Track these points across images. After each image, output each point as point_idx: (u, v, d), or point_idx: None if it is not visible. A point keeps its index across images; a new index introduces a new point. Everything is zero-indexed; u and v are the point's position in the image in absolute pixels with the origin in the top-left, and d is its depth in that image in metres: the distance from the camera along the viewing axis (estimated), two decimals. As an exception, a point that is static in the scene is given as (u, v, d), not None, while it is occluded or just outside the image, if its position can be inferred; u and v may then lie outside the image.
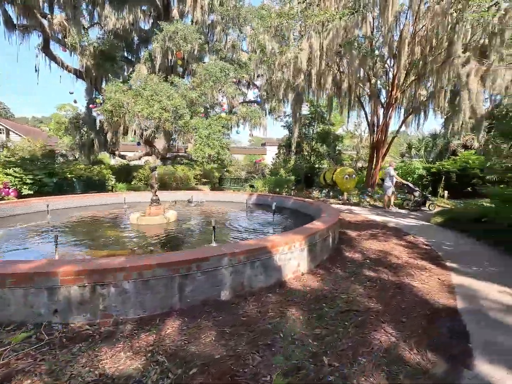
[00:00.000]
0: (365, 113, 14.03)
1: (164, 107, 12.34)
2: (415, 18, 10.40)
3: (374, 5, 9.44)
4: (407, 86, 12.24)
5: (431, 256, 5.02)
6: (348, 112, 13.54)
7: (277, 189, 14.50)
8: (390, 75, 12.74)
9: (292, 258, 3.82)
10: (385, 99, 13.54)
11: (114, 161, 26.08)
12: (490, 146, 13.48)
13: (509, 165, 9.12)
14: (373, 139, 14.06)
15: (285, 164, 18.62)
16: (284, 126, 19.85)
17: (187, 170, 20.57)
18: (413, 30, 10.72)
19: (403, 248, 5.45)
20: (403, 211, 10.50)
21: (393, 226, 7.60)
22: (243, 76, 20.37)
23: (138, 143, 20.06)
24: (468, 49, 8.91)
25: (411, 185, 11.18)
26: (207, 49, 20.99)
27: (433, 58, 10.23)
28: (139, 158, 20.73)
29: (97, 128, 17.61)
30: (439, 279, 3.99)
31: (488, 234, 5.91)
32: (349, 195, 13.03)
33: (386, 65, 13.06)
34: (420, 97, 12.46)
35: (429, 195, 12.85)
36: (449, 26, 9.02)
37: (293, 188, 14.70)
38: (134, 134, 16.88)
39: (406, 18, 11.04)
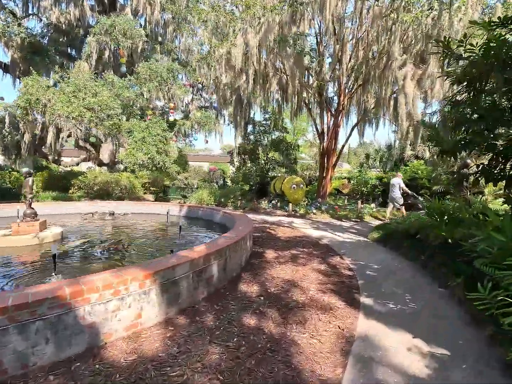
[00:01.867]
0: (314, 120, 13.39)
1: (87, 106, 10.73)
2: (359, 20, 9.92)
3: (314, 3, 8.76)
4: (353, 93, 11.74)
5: (347, 287, 4.01)
6: (292, 117, 12.80)
7: (222, 200, 13.28)
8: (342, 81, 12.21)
9: (124, 307, 2.57)
10: (335, 106, 13.02)
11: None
12: (435, 157, 13.34)
13: (453, 176, 8.55)
14: (322, 147, 13.41)
15: (237, 173, 17.54)
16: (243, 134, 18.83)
17: (133, 178, 18.71)
18: (357, 33, 10.23)
19: (318, 276, 4.41)
20: (349, 223, 9.73)
21: (325, 244, 6.66)
22: (198, 80, 19.22)
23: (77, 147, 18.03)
24: (408, 53, 8.45)
25: (415, 195, 10.65)
26: (158, 49, 19.67)
27: (375, 63, 9.74)
28: (77, 164, 18.59)
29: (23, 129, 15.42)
30: (339, 327, 2.93)
31: (420, 253, 5.10)
32: (296, 206, 12.14)
33: (335, 70, 12.56)
34: (368, 104, 12.02)
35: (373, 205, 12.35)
36: (388, 28, 8.52)
37: (240, 198, 13.58)
38: (69, 136, 15.00)
39: (350, 21, 10.56)
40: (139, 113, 13.88)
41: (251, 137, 18.43)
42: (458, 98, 4.32)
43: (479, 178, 3.92)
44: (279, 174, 17.03)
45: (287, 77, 11.58)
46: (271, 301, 3.49)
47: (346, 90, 12.29)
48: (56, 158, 17.95)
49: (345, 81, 12.24)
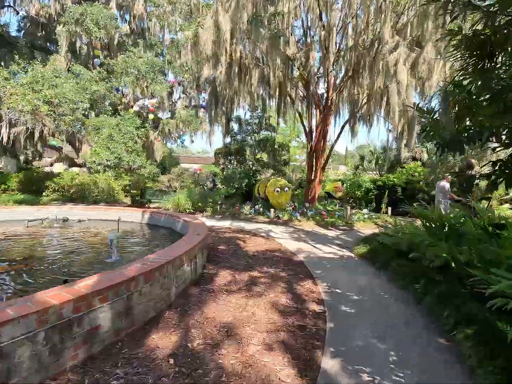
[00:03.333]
0: (300, 117, 12.23)
1: (43, 99, 9.53)
2: (348, 2, 8.79)
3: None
4: (342, 86, 10.60)
5: (308, 336, 2.80)
6: (278, 113, 11.59)
7: (200, 204, 12.06)
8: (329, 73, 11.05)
9: None
10: (323, 101, 11.87)
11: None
12: (434, 158, 12.19)
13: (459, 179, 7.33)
14: (310, 146, 12.24)
15: (221, 175, 16.35)
16: (227, 133, 17.64)
17: (111, 180, 17.43)
18: (345, 18, 9.10)
19: (273, 315, 3.20)
20: (335, 232, 8.52)
21: (300, 260, 5.45)
22: (185, 77, 18.08)
23: (59, 147, 16.84)
24: (401, 36, 7.30)
25: (465, 200, 9.30)
26: (142, 44, 18.53)
27: (365, 51, 8.60)
28: (51, 165, 17.35)
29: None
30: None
31: (413, 279, 3.90)
32: (280, 212, 10.94)
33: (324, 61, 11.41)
34: (360, 99, 10.88)
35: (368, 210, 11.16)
36: (378, 10, 7.38)
37: (220, 203, 12.35)
38: (43, 134, 13.78)
39: (337, 3, 9.44)
40: (110, 109, 12.70)
41: (238, 137, 17.28)
42: (465, 73, 3.14)
43: (497, 181, 2.73)
44: (267, 177, 15.84)
45: (269, 69, 10.44)
46: (184, 366, 2.28)
47: (336, 82, 11.14)
48: (28, 158, 16.73)
49: (334, 73, 11.11)
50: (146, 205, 14.42)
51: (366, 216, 10.87)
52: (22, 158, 16.58)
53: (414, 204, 6.38)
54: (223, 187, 16.71)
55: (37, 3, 19.03)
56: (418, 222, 6.11)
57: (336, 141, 12.37)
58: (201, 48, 7.75)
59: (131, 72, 14.15)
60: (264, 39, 7.59)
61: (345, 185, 17.76)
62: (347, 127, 11.76)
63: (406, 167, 14.55)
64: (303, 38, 10.87)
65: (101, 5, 15.08)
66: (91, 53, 14.57)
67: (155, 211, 8.49)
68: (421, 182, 12.67)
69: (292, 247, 6.49)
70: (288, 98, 11.58)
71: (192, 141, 20.27)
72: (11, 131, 10.13)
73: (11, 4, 19.77)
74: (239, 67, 9.43)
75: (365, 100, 11.00)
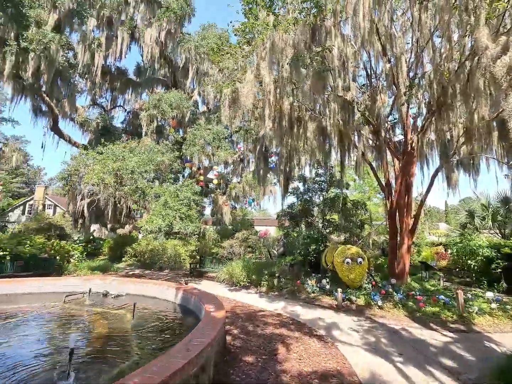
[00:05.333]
0: (372, 169, 9.98)
1: (108, 171, 10.26)
2: (415, 21, 7.14)
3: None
4: (426, 125, 8.23)
5: None
6: (342, 168, 9.57)
7: (254, 277, 10.26)
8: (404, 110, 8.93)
9: None
10: (401, 147, 9.54)
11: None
12: None
13: None
14: (390, 203, 9.57)
15: (286, 239, 14.49)
16: (290, 193, 16.32)
17: (180, 246, 17.53)
18: (416, 39, 7.35)
19: None
20: (443, 336, 5.36)
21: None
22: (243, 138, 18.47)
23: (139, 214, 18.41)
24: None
25: None
26: (213, 118, 20.23)
27: (453, 74, 6.43)
28: (129, 232, 18.74)
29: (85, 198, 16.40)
30: None
31: None
32: (351, 292, 8.15)
33: (397, 99, 9.43)
34: (453, 138, 8.21)
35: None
36: (465, 21, 5.45)
37: (279, 276, 10.27)
38: (128, 206, 15.19)
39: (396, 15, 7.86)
40: (173, 176, 13.15)
41: (305, 196, 15.66)
42: None
43: None
44: (335, 242, 13.20)
45: (325, 117, 9.05)
46: None
47: (416, 122, 8.86)
48: (112, 226, 18.53)
49: (411, 112, 8.96)
50: (205, 275, 13.44)
51: (493, 304, 7.07)
52: (109, 226, 18.42)
53: None
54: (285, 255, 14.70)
55: (139, 100, 23.55)
56: None
57: (426, 194, 9.44)
58: (241, 103, 7.05)
59: (198, 142, 14.86)
60: (307, 79, 6.39)
61: (450, 251, 13.46)
62: (440, 175, 8.88)
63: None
64: (364, 77, 9.39)
65: (182, 92, 17.31)
66: (166, 130, 16.28)
67: (189, 288, 7.17)
68: None
69: (362, 371, 3.94)
70: (354, 148, 9.72)
71: (259, 204, 19.37)
72: (83, 203, 11.09)
73: (121, 104, 24.92)
74: (290, 120, 8.34)
75: (462, 139, 8.23)
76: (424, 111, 9.36)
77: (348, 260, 8.56)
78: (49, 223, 18.68)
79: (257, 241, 18.78)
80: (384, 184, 9.93)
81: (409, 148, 8.66)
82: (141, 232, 10.56)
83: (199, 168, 17.15)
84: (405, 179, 9.04)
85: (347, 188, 14.81)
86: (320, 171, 15.13)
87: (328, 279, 9.46)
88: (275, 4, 7.17)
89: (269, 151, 9.70)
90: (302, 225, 15.43)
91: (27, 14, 11.49)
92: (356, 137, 9.97)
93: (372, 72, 9.72)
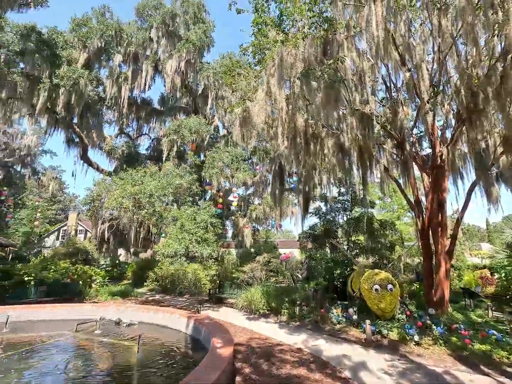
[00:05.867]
0: (399, 186, 9.21)
1: (125, 195, 10.39)
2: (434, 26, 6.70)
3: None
4: (456, 135, 7.50)
5: None
6: (364, 186, 8.87)
7: (273, 304, 9.55)
8: (429, 120, 8.27)
9: None
10: (429, 160, 8.79)
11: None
12: None
13: None
14: (422, 224, 8.66)
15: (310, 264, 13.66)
16: (312, 213, 15.64)
17: (200, 270, 17.18)
18: (437, 48, 6.88)
19: None
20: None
21: None
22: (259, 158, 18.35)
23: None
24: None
25: None
26: (231, 141, 20.47)
27: (484, 78, 5.83)
28: (151, 256, 18.78)
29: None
30: None
31: None
32: (381, 323, 7.21)
33: (422, 111, 8.79)
34: (489, 148, 7.39)
35: None
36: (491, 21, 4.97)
37: (301, 303, 9.46)
38: (149, 229, 15.36)
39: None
40: (191, 199, 13.10)
41: (328, 217, 14.91)
42: None
43: None
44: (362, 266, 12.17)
45: (345, 134, 8.60)
46: None
47: (445, 133, 8.15)
48: (135, 250, 18.70)
49: (438, 124, 8.30)
50: (224, 301, 12.87)
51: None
52: (132, 250, 18.62)
53: None
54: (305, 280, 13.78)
55: (163, 128, 24.56)
56: None
57: (463, 211, 8.48)
58: (253, 122, 6.86)
59: (217, 165, 14.91)
60: (319, 91, 6.07)
61: (497, 275, 11.92)
62: (477, 190, 7.97)
63: None
64: (384, 90, 8.94)
65: (202, 118, 17.79)
66: (186, 154, 16.59)
67: (201, 318, 6.68)
68: None
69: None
70: (377, 164, 9.10)
71: (280, 226, 18.81)
72: (104, 227, 11.25)
73: (147, 132, 26.09)
74: (305, 137, 8.00)
75: (500, 149, 7.39)
76: (453, 122, 8.66)
77: (377, 287, 7.69)
78: (77, 248, 19.26)
79: (279, 264, 18.01)
80: (413, 202, 9.09)
81: (439, 162, 7.91)
82: (157, 256, 10.43)
83: (218, 190, 17.11)
84: (436, 196, 8.21)
85: (372, 207, 13.91)
86: (343, 189, 14.45)
87: (355, 308, 8.54)
88: (285, 23, 7.12)
89: (284, 170, 9.33)
90: (326, 247, 14.59)
91: (60, 55, 12.50)
92: (379, 152, 9.41)
93: (392, 85, 9.27)
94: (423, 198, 9.40)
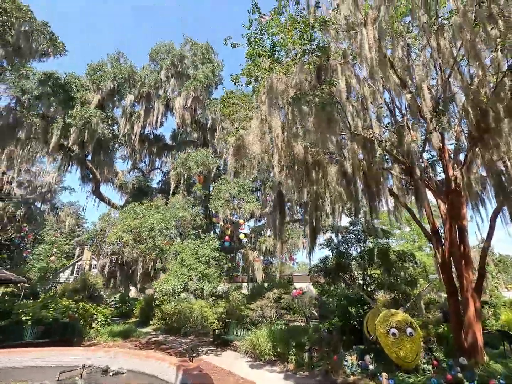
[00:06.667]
0: (411, 213, 8.47)
1: (124, 229, 10.17)
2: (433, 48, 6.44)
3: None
4: (469, 157, 6.90)
5: None
6: (371, 214, 8.18)
7: (279, 349, 8.55)
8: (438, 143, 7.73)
9: None
10: (442, 186, 8.11)
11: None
12: None
13: None
14: (442, 255, 7.75)
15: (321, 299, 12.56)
16: (323, 245, 14.73)
17: (207, 307, 16.23)
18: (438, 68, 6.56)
19: None
20: None
21: None
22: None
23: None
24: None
25: None
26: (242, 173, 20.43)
27: (491, 94, 5.38)
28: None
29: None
30: None
31: None
32: (402, 375, 6.12)
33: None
34: (509, 168, 6.68)
35: None
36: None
37: (310, 348, 8.41)
38: (154, 264, 14.97)
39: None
40: (194, 232, 12.71)
41: (341, 248, 13.97)
42: None
43: None
44: (383, 303, 11.00)
45: (348, 160, 8.18)
46: None
47: (458, 157, 7.55)
48: (142, 286, 18.16)
49: (450, 148, 7.76)
50: (230, 343, 11.84)
51: None
52: (138, 286, 18.10)
53: None
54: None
55: (174, 162, 25.12)
56: None
57: (488, 240, 7.55)
58: (249, 151, 6.60)
59: (223, 196, 14.70)
60: (310, 115, 5.78)
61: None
62: (501, 216, 7.13)
63: None
64: (388, 115, 8.60)
65: (210, 150, 18.08)
66: (193, 186, 16.59)
67: (191, 368, 5.89)
68: None
69: None
70: (385, 191, 8.49)
71: (292, 258, 17.92)
72: (105, 262, 10.96)
73: (159, 167, 26.73)
74: (305, 165, 7.64)
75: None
76: (466, 143, 8.09)
77: (394, 330, 6.69)
78: (84, 284, 18.97)
79: (291, 301, 16.80)
80: (429, 231, 8.27)
81: (453, 186, 7.23)
82: (155, 294, 9.90)
83: (226, 223, 16.71)
84: (455, 224, 7.40)
85: (387, 237, 12.93)
86: (354, 218, 13.66)
87: (372, 355, 7.44)
88: (280, 53, 7.13)
89: (284, 200, 8.87)
90: (340, 282, 13.48)
91: (74, 97, 13.26)
92: (387, 178, 8.87)
93: (397, 109, 8.97)
94: (439, 227, 8.56)
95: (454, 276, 7.90)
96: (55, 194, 33.09)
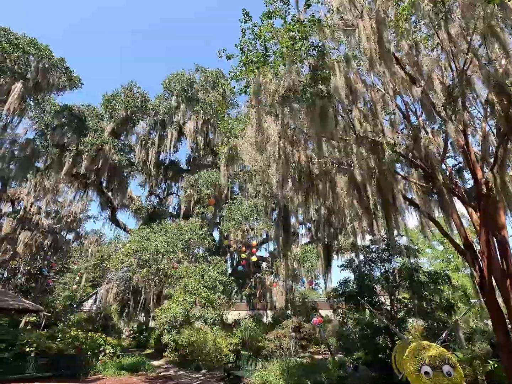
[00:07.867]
0: (436, 224, 7.34)
1: (126, 253, 9.75)
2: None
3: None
4: (501, 153, 5.87)
5: None
6: (389, 227, 7.12)
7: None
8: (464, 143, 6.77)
9: None
10: (472, 192, 7.02)
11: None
12: None
13: None
14: (480, 274, 6.49)
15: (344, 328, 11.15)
16: (343, 266, 13.43)
17: (221, 337, 15.09)
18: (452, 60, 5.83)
19: None
20: None
21: None
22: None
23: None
24: None
25: None
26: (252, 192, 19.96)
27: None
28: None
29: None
30: None
31: None
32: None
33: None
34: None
35: None
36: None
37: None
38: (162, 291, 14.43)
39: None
40: (202, 255, 12.07)
41: (363, 270, 12.63)
42: None
43: None
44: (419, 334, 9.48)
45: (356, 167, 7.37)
46: None
47: (487, 157, 6.52)
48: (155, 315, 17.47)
49: (477, 149, 6.79)
50: (243, 379, 10.66)
51: None
52: (152, 314, 17.42)
53: None
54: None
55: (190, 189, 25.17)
56: None
57: (538, 256, 6.24)
58: (244, 161, 6.07)
59: (235, 217, 14.16)
60: (300, 111, 5.16)
61: None
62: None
63: None
64: (401, 119, 7.82)
65: (211, 171, 17.88)
66: (203, 208, 16.22)
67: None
68: None
69: None
70: (405, 201, 7.52)
71: (311, 283, 16.64)
72: (108, 287, 10.52)
73: (175, 191, 26.94)
74: (309, 175, 6.94)
75: None
76: (495, 143, 7.06)
77: (427, 368, 5.43)
78: (98, 313, 18.62)
79: (312, 330, 15.29)
80: (462, 246, 7.06)
81: (484, 190, 6.16)
82: (155, 321, 9.18)
83: (240, 245, 15.96)
84: (491, 235, 6.23)
85: (414, 256, 11.51)
86: (376, 235, 12.40)
87: (403, 399, 6.11)
88: (275, 58, 6.76)
89: (288, 215, 8.08)
90: (366, 308, 12.01)
91: (88, 125, 13.72)
92: (408, 186, 7.94)
93: (411, 112, 8.19)
94: (475, 240, 7.33)
95: (499, 299, 6.57)
96: (80, 223, 34.20)
